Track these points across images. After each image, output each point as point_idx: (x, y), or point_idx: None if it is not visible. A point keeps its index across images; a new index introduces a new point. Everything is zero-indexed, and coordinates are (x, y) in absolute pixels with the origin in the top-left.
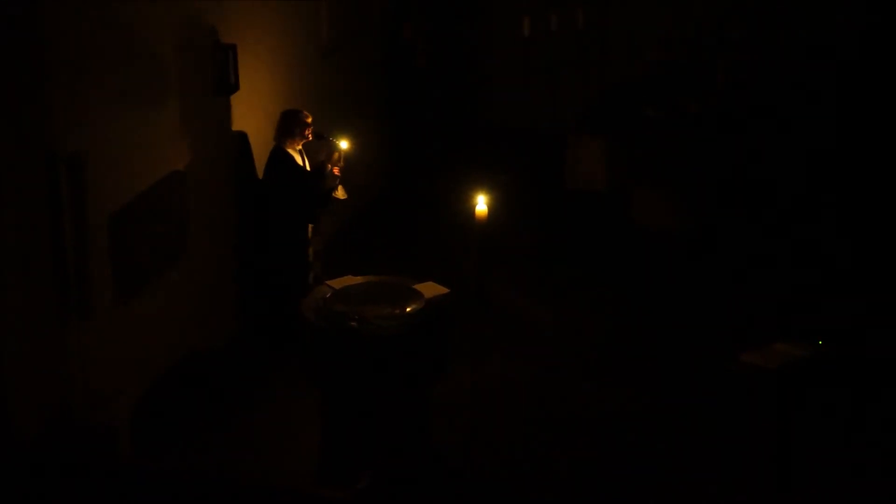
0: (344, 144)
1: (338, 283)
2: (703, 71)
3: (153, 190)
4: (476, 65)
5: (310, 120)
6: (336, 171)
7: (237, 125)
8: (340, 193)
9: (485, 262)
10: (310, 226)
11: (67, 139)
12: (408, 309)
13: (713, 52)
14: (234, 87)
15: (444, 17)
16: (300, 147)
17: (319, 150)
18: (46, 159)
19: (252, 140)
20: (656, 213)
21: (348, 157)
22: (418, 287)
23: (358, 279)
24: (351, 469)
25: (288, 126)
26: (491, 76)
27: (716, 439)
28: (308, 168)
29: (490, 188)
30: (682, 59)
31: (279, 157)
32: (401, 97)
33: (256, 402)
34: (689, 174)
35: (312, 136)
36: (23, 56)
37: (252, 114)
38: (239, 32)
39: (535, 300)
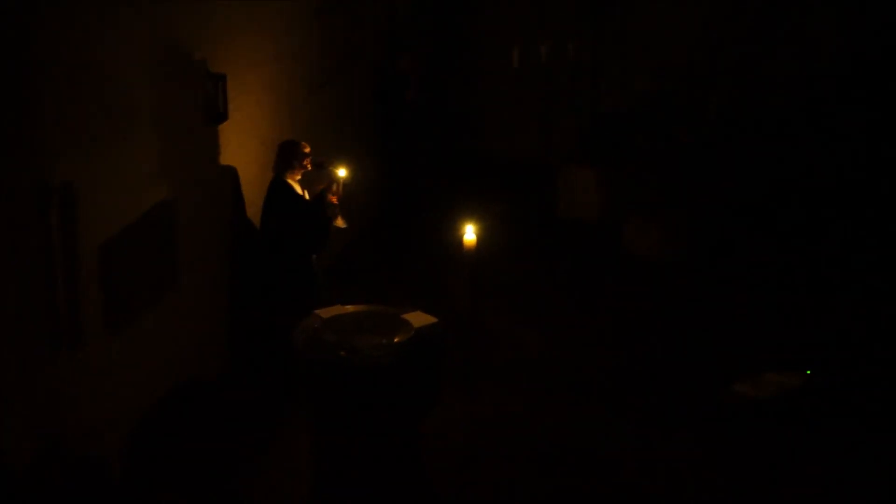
0: (342, 172)
1: (327, 312)
2: (694, 101)
3: (143, 220)
4: (468, 96)
5: (308, 150)
6: (334, 199)
7: (227, 154)
8: (340, 222)
9: (477, 291)
10: (314, 256)
11: (58, 169)
12: (396, 338)
13: (705, 81)
14: (224, 117)
15: (436, 48)
16: (299, 177)
17: (316, 179)
18: (37, 189)
19: (242, 168)
20: (648, 243)
21: (346, 186)
22: (407, 316)
23: (347, 308)
24: (343, 499)
25: (287, 157)
26: (483, 107)
27: (710, 469)
28: (307, 198)
29: (482, 218)
30: (674, 88)
31: (280, 189)
32: (393, 128)
33: (249, 433)
34: (681, 203)
35: (312, 166)
36: (13, 87)
37: (241, 143)
38: (229, 62)
39: (528, 330)
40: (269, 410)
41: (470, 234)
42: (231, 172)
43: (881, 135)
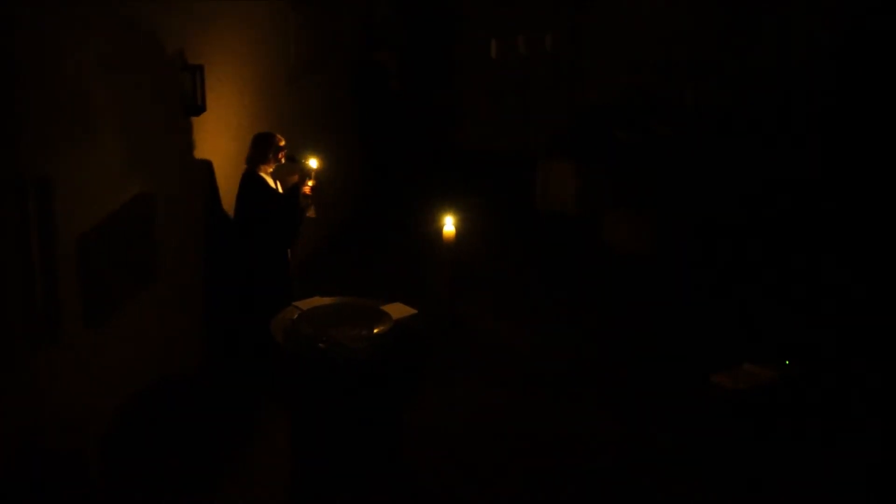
0: (314, 163)
1: (305, 304)
2: (672, 94)
3: (121, 213)
4: (448, 88)
5: (283, 143)
6: (307, 190)
7: (205, 146)
8: (311, 212)
9: (456, 283)
10: (289, 249)
11: (34, 164)
12: (375, 330)
13: (683, 75)
14: (202, 109)
15: (416, 41)
16: (271, 170)
17: (289, 171)
18: (14, 183)
19: (219, 161)
20: (627, 236)
21: (319, 176)
22: (386, 308)
23: (326, 300)
24: (323, 493)
25: (261, 150)
26: (462, 99)
27: (689, 460)
28: (280, 191)
29: (461, 210)
30: (652, 82)
31: (253, 182)
32: (373, 120)
33: (227, 426)
34: (660, 196)
35: (285, 159)
36: None
37: (220, 135)
38: (206, 53)
39: (507, 322)
40: (247, 404)
41: (449, 225)
42: (209, 165)
43: (858, 130)
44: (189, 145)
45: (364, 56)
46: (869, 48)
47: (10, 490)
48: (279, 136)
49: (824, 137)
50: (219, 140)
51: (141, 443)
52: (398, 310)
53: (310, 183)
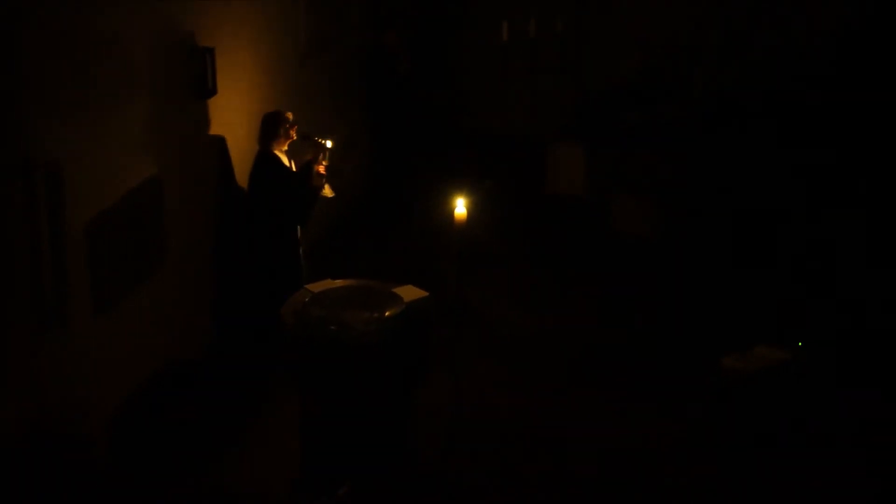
0: (329, 143)
1: (317, 286)
2: (680, 77)
3: (131, 197)
4: (457, 71)
5: (291, 118)
6: (322, 169)
7: (215, 129)
8: (328, 192)
9: (465, 266)
10: (299, 227)
11: (44, 146)
12: (387, 313)
13: (691, 58)
14: (212, 91)
15: (425, 23)
16: (286, 148)
17: (305, 150)
18: (23, 166)
19: (231, 144)
20: (635, 219)
21: (334, 156)
22: (397, 290)
23: (337, 283)
24: (331, 476)
25: (271, 128)
26: (471, 82)
27: (698, 444)
28: (295, 169)
29: (470, 193)
30: (660, 65)
31: (266, 160)
32: (381, 103)
33: (235, 411)
34: (668, 180)
35: (298, 137)
36: None
37: (230, 118)
38: (217, 36)
39: (515, 306)
40: (256, 388)
41: (460, 207)
42: (220, 148)
43: (868, 112)
44: (200, 128)
45: (373, 39)
46: (870, 37)
47: (18, 475)
48: (287, 112)
49: (837, 116)
50: (230, 122)
51: (149, 429)
52: (410, 292)
53: (324, 162)
